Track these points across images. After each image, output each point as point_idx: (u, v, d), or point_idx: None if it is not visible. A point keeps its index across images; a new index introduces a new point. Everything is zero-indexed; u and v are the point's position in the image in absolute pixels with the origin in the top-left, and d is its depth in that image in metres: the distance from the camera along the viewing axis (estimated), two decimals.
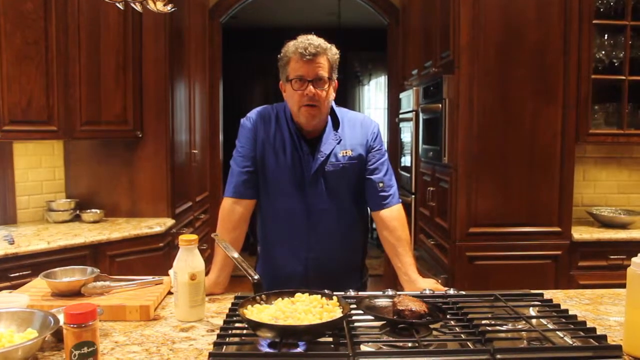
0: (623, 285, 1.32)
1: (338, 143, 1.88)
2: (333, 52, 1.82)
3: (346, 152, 1.88)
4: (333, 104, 1.92)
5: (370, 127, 1.96)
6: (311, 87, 1.76)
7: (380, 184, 1.92)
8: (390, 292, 1.57)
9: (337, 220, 1.89)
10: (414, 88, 3.97)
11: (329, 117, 1.92)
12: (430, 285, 1.77)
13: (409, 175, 4.20)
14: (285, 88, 1.84)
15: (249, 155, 1.89)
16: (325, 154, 1.86)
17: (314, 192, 1.85)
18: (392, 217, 1.90)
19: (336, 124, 1.92)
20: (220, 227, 1.88)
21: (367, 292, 1.81)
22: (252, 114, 1.94)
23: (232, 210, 1.88)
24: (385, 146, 2.00)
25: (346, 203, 1.90)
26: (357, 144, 1.91)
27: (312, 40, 1.77)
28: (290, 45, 1.80)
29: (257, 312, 1.32)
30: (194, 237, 1.54)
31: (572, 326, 1.35)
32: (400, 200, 1.98)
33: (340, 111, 1.96)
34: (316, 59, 1.76)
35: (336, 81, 1.87)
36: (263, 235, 1.97)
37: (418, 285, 1.79)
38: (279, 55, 1.84)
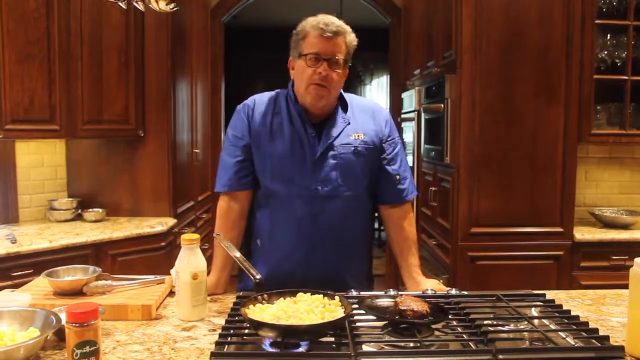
0: (625, 286, 1.31)
1: (348, 124, 1.80)
2: (352, 37, 1.75)
3: (358, 136, 1.79)
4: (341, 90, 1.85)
5: (383, 115, 1.89)
6: (325, 65, 1.69)
7: (397, 177, 1.85)
8: (392, 292, 1.57)
9: (342, 209, 1.76)
10: (416, 88, 3.96)
11: (339, 103, 1.84)
12: (433, 285, 1.75)
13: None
14: (296, 64, 1.76)
15: (241, 144, 1.80)
16: (333, 137, 1.76)
17: (317, 178, 1.74)
18: (401, 216, 1.87)
19: (344, 108, 1.84)
20: (219, 226, 1.82)
21: (368, 292, 1.80)
22: (249, 99, 1.86)
23: (229, 209, 1.81)
24: (397, 134, 1.92)
25: (352, 192, 1.78)
26: (370, 129, 1.82)
27: (334, 20, 1.72)
28: (310, 20, 1.73)
29: (259, 312, 1.31)
30: (196, 236, 1.53)
31: (575, 327, 1.34)
32: (416, 192, 1.92)
33: (348, 96, 1.88)
34: (336, 39, 1.69)
35: (347, 69, 1.79)
36: (260, 226, 1.84)
37: (421, 286, 1.77)
38: (294, 31, 1.76)
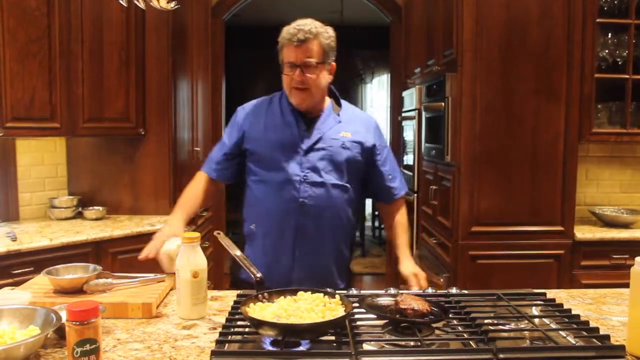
0: (626, 285, 1.31)
1: (339, 122, 1.96)
2: (326, 36, 1.87)
3: (347, 134, 1.95)
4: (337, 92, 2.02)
5: (372, 123, 2.06)
6: (299, 71, 1.84)
7: (389, 177, 2.06)
8: (392, 290, 1.58)
9: (327, 196, 1.90)
10: (417, 86, 3.96)
11: (332, 101, 2.00)
12: (408, 271, 1.90)
13: (411, 173, 4.20)
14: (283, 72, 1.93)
15: (230, 142, 1.99)
16: (323, 132, 1.92)
17: (306, 166, 1.89)
18: (394, 210, 2.10)
19: (337, 107, 2.01)
20: (187, 191, 2.02)
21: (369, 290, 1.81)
22: (247, 103, 2.05)
23: (205, 186, 2.02)
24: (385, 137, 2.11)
25: (338, 181, 1.92)
26: (359, 132, 1.97)
27: (303, 26, 1.84)
28: (284, 31, 1.87)
29: (260, 310, 1.31)
30: (197, 234, 1.54)
31: (575, 326, 1.34)
32: (406, 188, 2.12)
33: (344, 102, 2.06)
34: (305, 45, 1.83)
35: (333, 64, 1.93)
36: (254, 211, 1.98)
37: (400, 267, 1.96)
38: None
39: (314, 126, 1.93)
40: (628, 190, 3.47)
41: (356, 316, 1.39)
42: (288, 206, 1.88)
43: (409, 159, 4.33)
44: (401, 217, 2.10)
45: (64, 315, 1.24)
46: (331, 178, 1.90)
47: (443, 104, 3.14)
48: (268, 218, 1.93)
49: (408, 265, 1.94)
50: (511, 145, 2.93)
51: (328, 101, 2.00)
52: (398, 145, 4.97)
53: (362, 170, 2.00)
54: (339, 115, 1.99)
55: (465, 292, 1.62)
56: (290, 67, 1.86)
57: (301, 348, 1.22)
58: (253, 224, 1.98)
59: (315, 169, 1.89)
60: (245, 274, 1.90)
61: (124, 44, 3.27)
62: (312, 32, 1.83)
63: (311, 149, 1.90)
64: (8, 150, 3.20)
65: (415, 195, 4.04)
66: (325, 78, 1.91)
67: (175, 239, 1.74)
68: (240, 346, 1.26)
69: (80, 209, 3.35)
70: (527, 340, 1.30)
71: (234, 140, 1.99)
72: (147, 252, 1.75)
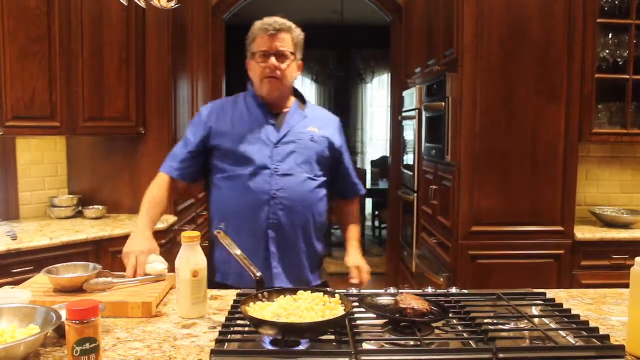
0: (626, 285, 1.31)
1: (305, 117, 2.01)
2: (297, 32, 1.96)
3: (314, 129, 1.99)
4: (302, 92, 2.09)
5: (336, 122, 2.12)
6: (273, 59, 1.88)
7: (354, 174, 2.16)
8: (392, 290, 1.57)
9: (298, 186, 1.91)
10: (417, 86, 3.96)
11: (296, 100, 2.05)
12: (351, 263, 1.99)
13: (411, 173, 4.20)
14: (250, 64, 1.97)
15: (196, 139, 1.97)
16: (292, 125, 1.96)
17: (276, 158, 1.90)
18: (351, 206, 2.20)
19: (302, 106, 2.05)
20: (149, 197, 2.02)
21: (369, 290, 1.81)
22: (210, 102, 2.08)
23: (168, 189, 2.01)
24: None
25: (308, 174, 1.94)
26: (325, 129, 2.02)
27: (277, 19, 1.92)
28: (257, 24, 1.94)
29: (260, 310, 1.31)
30: (197, 234, 1.54)
31: (575, 326, 1.34)
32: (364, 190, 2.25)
33: (308, 101, 2.11)
34: (279, 35, 1.90)
35: (301, 61, 2.00)
36: (225, 209, 1.94)
37: (345, 259, 2.03)
38: (247, 35, 1.96)
39: (282, 120, 1.97)
40: (628, 191, 3.47)
41: (356, 316, 1.38)
42: (259, 199, 1.87)
43: (409, 158, 4.33)
44: (357, 213, 2.22)
45: (64, 314, 1.24)
46: (302, 171, 1.92)
47: (443, 103, 3.15)
48: (239, 214, 1.90)
49: (353, 258, 2.01)
50: (511, 145, 2.93)
51: (293, 99, 2.04)
52: (398, 145, 4.97)
53: (329, 165, 2.02)
54: (304, 111, 2.03)
55: (465, 292, 1.61)
56: (264, 56, 1.89)
57: (301, 347, 1.22)
58: (222, 224, 1.91)
59: (286, 162, 1.90)
60: (220, 277, 1.93)
61: (124, 43, 3.27)
62: (286, 24, 1.91)
63: (281, 141, 1.92)
64: (8, 149, 3.20)
65: (416, 195, 4.04)
66: (294, 72, 1.96)
67: (155, 257, 1.77)
68: (240, 345, 1.26)
69: (80, 208, 3.35)
70: (527, 340, 1.30)
71: (200, 138, 1.97)
72: (133, 272, 1.72)
